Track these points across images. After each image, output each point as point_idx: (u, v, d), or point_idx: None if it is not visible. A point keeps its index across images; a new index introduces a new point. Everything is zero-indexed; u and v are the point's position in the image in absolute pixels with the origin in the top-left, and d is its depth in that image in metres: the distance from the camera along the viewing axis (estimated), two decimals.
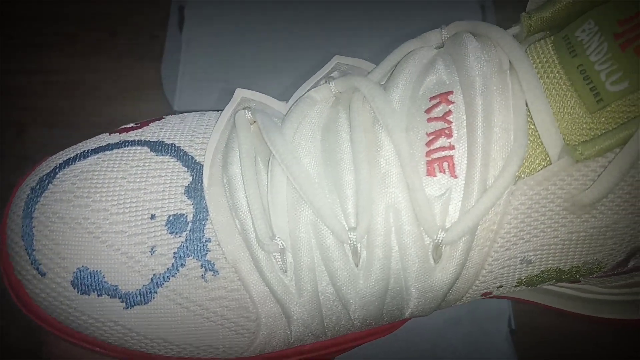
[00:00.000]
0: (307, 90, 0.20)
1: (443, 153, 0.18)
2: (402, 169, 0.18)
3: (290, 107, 0.20)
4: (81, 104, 0.61)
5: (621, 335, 0.50)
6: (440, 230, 0.18)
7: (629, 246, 0.19)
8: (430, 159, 0.18)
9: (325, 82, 0.20)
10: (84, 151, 0.23)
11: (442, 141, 0.18)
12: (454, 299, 0.20)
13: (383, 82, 0.20)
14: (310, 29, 0.54)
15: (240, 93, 0.21)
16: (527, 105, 0.18)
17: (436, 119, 0.18)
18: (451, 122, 0.18)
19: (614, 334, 0.50)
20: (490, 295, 0.20)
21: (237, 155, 0.19)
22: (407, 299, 0.19)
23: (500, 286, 0.20)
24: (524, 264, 0.19)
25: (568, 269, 0.19)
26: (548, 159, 0.18)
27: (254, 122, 0.20)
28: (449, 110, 0.18)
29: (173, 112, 0.52)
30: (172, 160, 0.20)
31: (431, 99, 0.18)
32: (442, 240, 0.18)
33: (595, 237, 0.18)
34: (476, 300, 0.22)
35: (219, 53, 0.54)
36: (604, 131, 0.17)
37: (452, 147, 0.18)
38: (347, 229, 0.18)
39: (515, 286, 0.20)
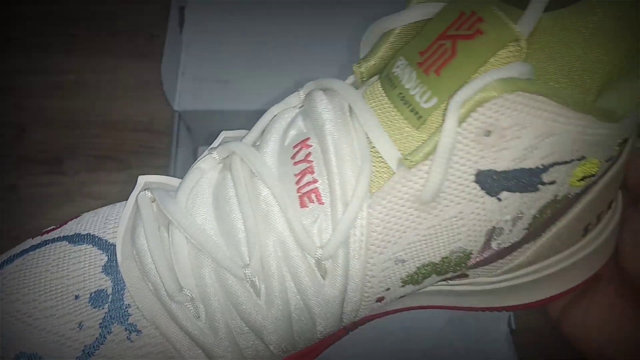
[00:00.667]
0: (195, 162, 0.24)
1: (310, 187, 0.22)
2: (280, 208, 0.21)
3: (183, 179, 0.24)
4: (81, 104, 0.61)
5: None
6: (318, 248, 0.21)
7: (483, 229, 0.22)
8: (300, 194, 0.22)
9: (209, 152, 0.24)
10: (10, 256, 0.25)
11: (307, 177, 0.22)
12: (352, 309, 0.23)
13: (258, 143, 0.24)
14: (310, 28, 0.54)
15: (142, 179, 0.24)
16: (367, 135, 0.21)
17: (300, 161, 0.22)
18: (312, 161, 0.22)
19: None
20: (385, 301, 0.23)
21: (142, 229, 0.23)
22: (312, 318, 0.22)
23: (388, 289, 0.23)
24: (399, 263, 0.22)
25: (439, 261, 0.23)
26: (393, 172, 0.21)
27: (154, 199, 0.23)
28: (309, 153, 0.22)
29: (173, 112, 0.52)
30: (88, 247, 0.24)
31: (294, 147, 0.22)
32: (321, 256, 0.21)
33: (449, 227, 0.22)
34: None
35: (219, 53, 0.54)
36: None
37: (315, 181, 0.22)
38: (242, 266, 0.21)
39: (402, 286, 0.23)
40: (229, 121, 0.53)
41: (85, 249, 0.24)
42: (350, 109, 0.22)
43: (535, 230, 0.23)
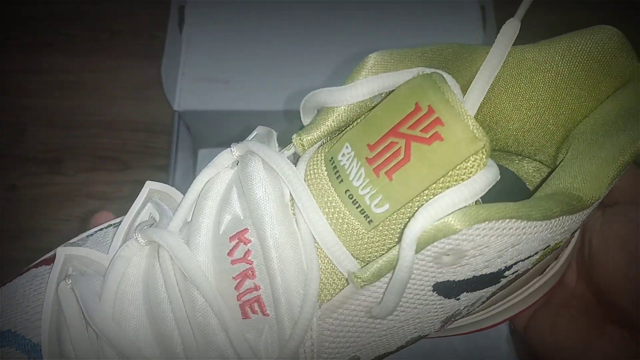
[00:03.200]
0: (118, 249, 0.21)
1: (252, 295, 0.20)
2: (218, 320, 0.19)
3: (107, 271, 0.21)
4: (81, 104, 0.61)
5: None
6: None
7: (439, 319, 0.21)
8: (241, 302, 0.20)
9: (134, 235, 0.21)
10: None
11: (248, 283, 0.20)
12: None
13: (189, 220, 0.21)
14: (310, 28, 0.54)
15: (62, 252, 0.22)
16: (311, 234, 0.19)
17: (239, 260, 0.20)
18: (252, 262, 0.20)
19: None
20: None
21: (67, 333, 0.20)
22: None
23: None
24: None
25: (395, 350, 0.22)
26: (343, 278, 0.20)
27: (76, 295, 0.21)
28: (248, 250, 0.20)
29: (173, 112, 0.52)
30: (10, 349, 0.21)
31: (231, 239, 0.20)
32: None
33: (405, 326, 0.21)
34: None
35: (219, 53, 0.54)
36: (383, 247, 0.19)
37: (257, 288, 0.20)
38: None
39: None
40: (229, 121, 0.53)
41: (8, 352, 0.21)
42: (292, 199, 0.20)
43: (493, 296, 0.23)
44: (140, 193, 0.23)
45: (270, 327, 0.20)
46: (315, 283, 0.19)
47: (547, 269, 0.25)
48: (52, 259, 0.23)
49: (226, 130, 0.55)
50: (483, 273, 0.19)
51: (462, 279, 0.19)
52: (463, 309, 0.21)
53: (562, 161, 0.22)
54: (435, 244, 0.17)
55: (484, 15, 0.54)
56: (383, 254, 0.18)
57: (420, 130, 0.17)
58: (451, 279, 0.19)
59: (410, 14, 0.54)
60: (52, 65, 0.63)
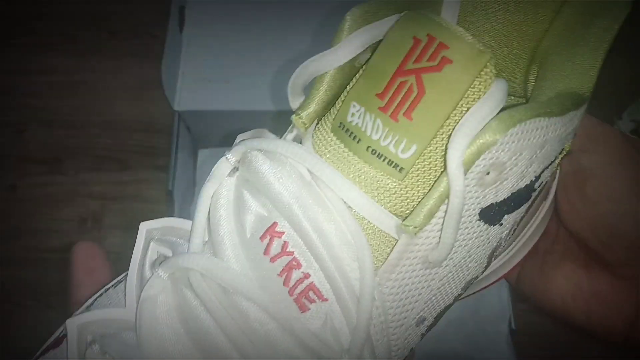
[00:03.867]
0: (140, 296, 0.20)
1: (303, 285, 0.18)
2: (277, 324, 0.18)
3: (136, 319, 0.19)
4: (81, 104, 0.61)
5: None
6: (343, 353, 0.19)
7: (486, 254, 0.21)
8: (295, 296, 0.18)
9: (153, 273, 0.20)
10: None
11: (295, 274, 0.18)
12: None
13: (206, 239, 0.20)
14: (310, 28, 0.54)
15: (73, 325, 0.20)
16: (344, 202, 0.19)
17: (278, 255, 0.19)
18: (292, 252, 0.19)
19: None
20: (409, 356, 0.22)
21: None
22: None
23: (412, 349, 0.21)
24: (420, 324, 0.21)
25: (452, 301, 0.21)
26: (393, 238, 0.19)
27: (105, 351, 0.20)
28: (284, 242, 0.19)
29: (173, 112, 0.52)
30: None
31: (262, 238, 0.19)
32: None
33: (459, 269, 0.20)
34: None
35: (219, 53, 0.54)
36: (419, 194, 0.19)
37: (307, 275, 0.18)
38: None
39: (421, 339, 0.21)
40: (229, 121, 0.53)
41: None
42: (312, 175, 0.19)
43: (518, 228, 0.23)
44: (138, 237, 0.21)
45: (333, 311, 0.19)
46: (367, 250, 0.18)
47: (533, 220, 0.25)
48: (60, 340, 0.21)
49: (226, 130, 0.55)
50: (519, 187, 0.19)
51: (502, 198, 0.19)
52: (504, 237, 0.21)
53: (539, 76, 0.22)
54: (477, 162, 0.17)
55: None
56: (426, 194, 0.18)
57: (427, 60, 0.17)
58: (494, 202, 0.19)
59: None
60: (52, 65, 0.63)
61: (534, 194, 0.21)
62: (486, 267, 0.22)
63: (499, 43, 0.24)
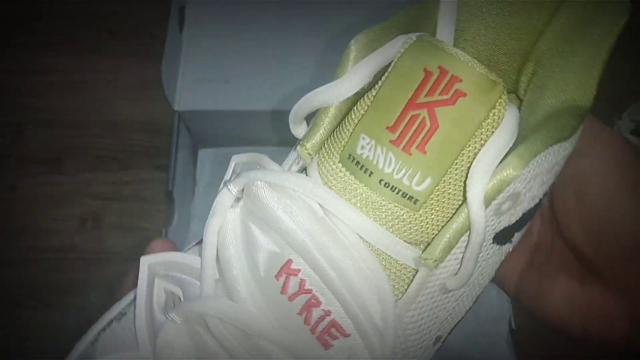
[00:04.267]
0: (155, 343, 0.20)
1: (325, 323, 0.18)
2: None
3: None
4: (81, 104, 0.61)
5: None
6: None
7: (496, 266, 0.21)
8: (317, 334, 0.18)
9: (167, 318, 0.19)
10: None
11: (316, 312, 0.18)
12: None
13: (217, 277, 0.20)
14: (310, 28, 0.54)
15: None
16: (359, 236, 0.18)
17: (296, 294, 0.18)
18: (311, 290, 0.18)
19: None
20: None
21: None
22: None
23: None
24: (437, 342, 0.21)
25: (464, 314, 0.22)
26: (411, 268, 0.19)
27: None
28: (301, 280, 0.18)
29: (173, 112, 0.52)
30: None
31: (277, 277, 0.18)
32: None
33: (472, 287, 0.20)
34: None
35: (219, 53, 0.54)
36: (434, 224, 0.19)
37: (328, 313, 0.18)
38: None
39: (436, 352, 0.22)
40: (229, 121, 0.53)
41: None
42: (324, 209, 0.19)
43: None
44: (140, 273, 0.20)
45: (356, 346, 0.18)
46: (385, 283, 0.18)
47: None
48: None
49: (226, 130, 0.55)
50: (530, 207, 0.19)
51: (515, 221, 0.19)
52: (510, 251, 0.21)
53: (533, 81, 0.22)
54: (498, 197, 0.17)
55: None
56: (443, 227, 0.18)
57: (440, 94, 0.17)
58: (507, 225, 0.19)
59: None
60: (52, 65, 0.63)
61: (539, 208, 0.21)
62: (493, 278, 0.22)
63: (496, 44, 0.24)
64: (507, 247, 0.21)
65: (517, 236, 0.21)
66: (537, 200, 0.20)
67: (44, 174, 0.58)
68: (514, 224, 0.19)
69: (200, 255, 0.20)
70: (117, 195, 0.56)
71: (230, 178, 0.20)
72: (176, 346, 0.19)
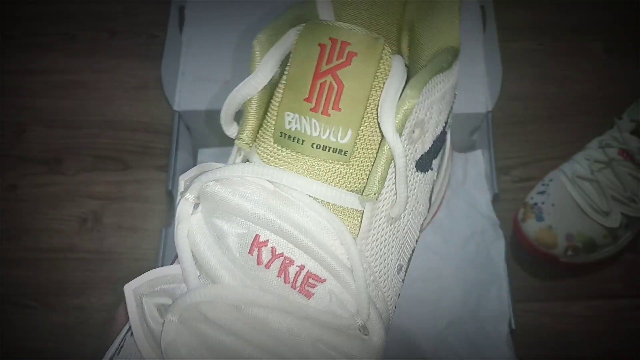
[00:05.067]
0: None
1: (301, 276, 0.21)
2: (294, 315, 0.20)
3: None
4: (81, 104, 0.61)
5: (622, 336, 0.50)
6: (354, 318, 0.21)
7: (428, 194, 0.25)
8: (298, 287, 0.21)
9: (164, 321, 0.21)
10: None
11: (292, 270, 0.21)
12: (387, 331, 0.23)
13: (198, 274, 0.21)
14: None
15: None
16: (309, 196, 0.21)
17: (270, 261, 0.21)
18: (282, 253, 0.21)
19: (614, 335, 0.50)
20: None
21: None
22: None
23: (399, 295, 0.24)
24: (401, 272, 0.24)
25: (415, 244, 0.25)
26: (358, 210, 0.22)
27: None
28: (272, 248, 0.21)
29: (173, 112, 0.52)
30: None
31: (250, 252, 0.21)
32: (360, 323, 0.21)
33: (414, 214, 0.24)
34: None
35: (219, 53, 0.54)
36: (366, 168, 0.22)
37: (302, 267, 0.21)
38: None
39: (402, 284, 0.25)
40: None
41: None
42: (274, 184, 0.21)
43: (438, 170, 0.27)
44: (127, 301, 0.22)
45: (334, 287, 0.21)
46: (341, 226, 0.21)
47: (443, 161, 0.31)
48: None
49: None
50: (437, 134, 0.24)
51: (428, 148, 0.23)
52: (435, 179, 0.26)
53: (411, 42, 0.27)
54: (406, 125, 0.21)
55: (484, 15, 0.54)
56: (373, 165, 0.21)
57: (337, 59, 0.21)
58: (423, 153, 0.23)
59: None
60: (52, 65, 0.63)
61: (447, 137, 0.25)
62: (429, 208, 0.26)
63: (372, 22, 0.28)
64: (431, 175, 0.25)
65: (435, 163, 0.25)
66: (441, 128, 0.24)
67: (44, 174, 0.58)
68: (428, 151, 0.23)
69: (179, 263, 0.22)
70: (117, 195, 0.56)
71: (184, 190, 0.23)
72: (181, 345, 0.20)
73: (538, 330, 0.50)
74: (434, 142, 0.24)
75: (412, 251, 0.25)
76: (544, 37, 0.62)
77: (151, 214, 0.55)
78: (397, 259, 0.23)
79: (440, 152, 0.25)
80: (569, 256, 0.49)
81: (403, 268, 0.24)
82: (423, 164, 0.23)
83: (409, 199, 0.23)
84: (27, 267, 0.54)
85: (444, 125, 0.24)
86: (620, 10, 0.62)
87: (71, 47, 0.64)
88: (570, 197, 0.49)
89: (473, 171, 0.52)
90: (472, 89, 0.51)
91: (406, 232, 0.24)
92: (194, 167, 0.24)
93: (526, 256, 0.51)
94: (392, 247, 0.23)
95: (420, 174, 0.24)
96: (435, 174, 0.25)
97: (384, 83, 0.21)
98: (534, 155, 0.57)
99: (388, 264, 0.23)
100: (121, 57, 0.63)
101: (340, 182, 0.22)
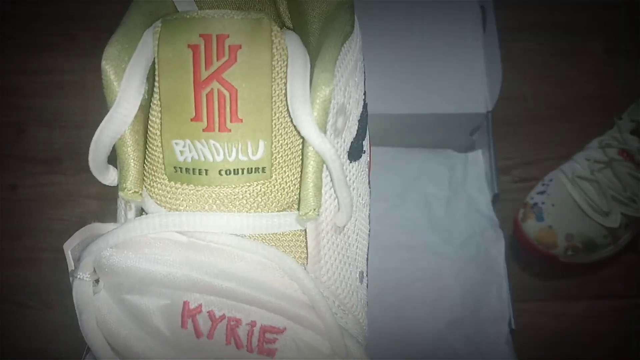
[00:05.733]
0: None
1: (255, 334, 0.17)
2: None
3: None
4: (81, 104, 0.61)
5: (622, 336, 0.50)
6: (334, 358, 0.18)
7: (366, 181, 0.21)
8: (257, 349, 0.17)
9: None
10: None
11: (242, 330, 0.17)
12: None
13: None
14: None
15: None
16: (234, 235, 0.18)
17: (212, 329, 0.17)
18: (224, 315, 0.17)
19: (614, 335, 0.50)
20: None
21: None
22: None
23: (367, 303, 0.21)
24: (362, 278, 0.20)
25: (368, 239, 0.21)
26: (298, 231, 0.18)
27: None
28: (208, 312, 0.17)
29: None
30: None
31: (184, 325, 0.17)
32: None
33: (358, 209, 0.20)
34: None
35: None
36: (292, 178, 0.18)
37: (253, 323, 0.17)
38: None
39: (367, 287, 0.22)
40: None
41: None
42: (185, 234, 0.17)
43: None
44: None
45: (297, 333, 0.18)
46: (286, 259, 0.17)
47: None
48: None
49: None
50: (360, 112, 0.19)
51: (355, 132, 0.19)
52: (369, 160, 0.22)
53: (291, 8, 0.21)
54: (328, 117, 0.17)
55: (484, 15, 0.54)
56: (301, 177, 0.17)
57: (218, 59, 0.16)
58: (352, 140, 0.19)
59: (410, 14, 0.54)
60: (52, 65, 0.63)
61: (366, 112, 0.21)
62: (370, 192, 0.22)
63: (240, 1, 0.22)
64: (365, 158, 0.21)
65: (366, 144, 0.20)
66: (362, 102, 0.20)
67: (44, 174, 0.58)
68: (357, 134, 0.19)
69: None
70: (117, 195, 0.56)
71: (74, 266, 0.18)
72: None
73: (538, 330, 0.50)
74: (359, 122, 0.19)
75: (368, 250, 0.22)
76: (544, 37, 0.62)
77: None
78: (356, 268, 0.20)
79: (367, 128, 0.21)
80: (569, 256, 0.49)
81: (364, 273, 0.21)
82: (356, 151, 0.19)
83: (353, 196, 0.19)
84: (27, 267, 0.54)
85: (364, 97, 0.20)
86: (620, 10, 0.62)
87: (71, 47, 0.64)
88: (570, 197, 0.49)
89: (473, 171, 0.52)
90: (472, 89, 0.51)
91: (357, 235, 0.20)
92: (78, 232, 0.19)
93: (526, 256, 0.51)
94: (348, 257, 0.19)
95: (355, 164, 0.19)
96: (369, 153, 0.21)
97: (284, 72, 0.17)
98: (534, 155, 0.57)
99: (349, 279, 0.19)
100: None
101: (266, 205, 0.18)
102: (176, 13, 0.17)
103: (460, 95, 0.50)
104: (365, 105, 0.20)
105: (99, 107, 0.61)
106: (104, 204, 0.56)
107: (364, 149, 0.20)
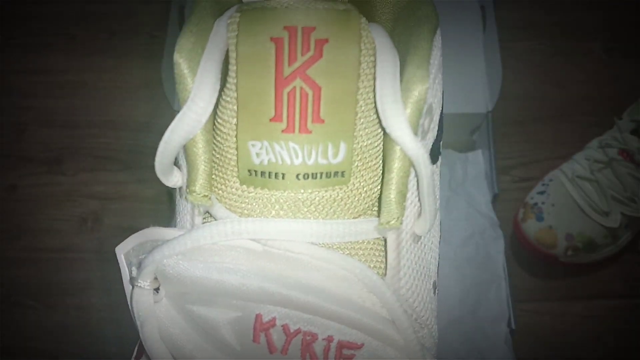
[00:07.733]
0: None
1: (332, 349, 0.16)
2: None
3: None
4: (81, 104, 0.61)
5: (621, 336, 0.50)
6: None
7: (438, 184, 0.20)
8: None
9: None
10: None
11: (318, 346, 0.16)
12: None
13: None
14: None
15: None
16: (311, 244, 0.17)
17: (286, 343, 0.16)
18: (299, 329, 0.16)
19: (614, 335, 0.50)
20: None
21: None
22: None
23: (437, 314, 0.21)
24: (434, 288, 0.19)
25: (439, 245, 0.20)
26: (376, 239, 0.17)
27: None
28: (283, 326, 0.16)
29: (173, 112, 0.52)
30: None
31: (256, 340, 0.16)
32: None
33: (435, 226, 0.19)
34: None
35: None
36: (372, 184, 0.17)
37: (330, 338, 0.16)
38: None
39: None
40: None
41: None
42: (260, 242, 0.16)
43: None
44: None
45: (375, 349, 0.16)
46: (365, 270, 0.16)
47: None
48: None
49: None
50: (440, 110, 0.18)
51: (437, 132, 0.18)
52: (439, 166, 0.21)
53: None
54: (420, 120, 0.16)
55: (484, 15, 0.54)
56: (383, 181, 0.16)
57: (302, 54, 0.15)
58: (434, 141, 0.18)
59: None
60: (52, 65, 0.63)
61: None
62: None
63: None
64: (439, 162, 0.19)
65: (439, 149, 0.19)
66: (441, 101, 0.18)
67: (44, 174, 0.58)
68: (437, 136, 0.18)
69: None
70: (117, 195, 0.56)
71: (133, 273, 0.17)
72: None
73: (538, 330, 0.50)
74: (439, 126, 0.18)
75: (439, 258, 0.21)
76: (544, 37, 0.62)
77: (151, 214, 0.55)
78: (430, 278, 0.19)
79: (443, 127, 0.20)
80: (569, 256, 0.49)
81: (436, 283, 0.20)
82: (434, 154, 0.18)
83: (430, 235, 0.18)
84: (27, 267, 0.54)
85: (441, 97, 0.19)
86: (620, 10, 0.62)
87: (71, 47, 0.64)
88: (570, 197, 0.49)
89: (473, 171, 0.52)
90: (472, 89, 0.51)
91: (431, 242, 0.19)
92: (132, 236, 0.18)
93: (526, 256, 0.51)
94: (423, 267, 0.18)
95: (433, 167, 0.18)
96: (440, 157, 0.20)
97: (370, 69, 0.16)
98: (534, 155, 0.57)
99: (424, 290, 0.18)
100: (121, 57, 0.63)
101: (342, 211, 0.16)
102: (253, 2, 0.16)
103: (460, 95, 0.50)
104: (442, 106, 0.19)
105: (99, 107, 0.61)
106: (104, 204, 0.56)
107: (441, 150, 0.19)
